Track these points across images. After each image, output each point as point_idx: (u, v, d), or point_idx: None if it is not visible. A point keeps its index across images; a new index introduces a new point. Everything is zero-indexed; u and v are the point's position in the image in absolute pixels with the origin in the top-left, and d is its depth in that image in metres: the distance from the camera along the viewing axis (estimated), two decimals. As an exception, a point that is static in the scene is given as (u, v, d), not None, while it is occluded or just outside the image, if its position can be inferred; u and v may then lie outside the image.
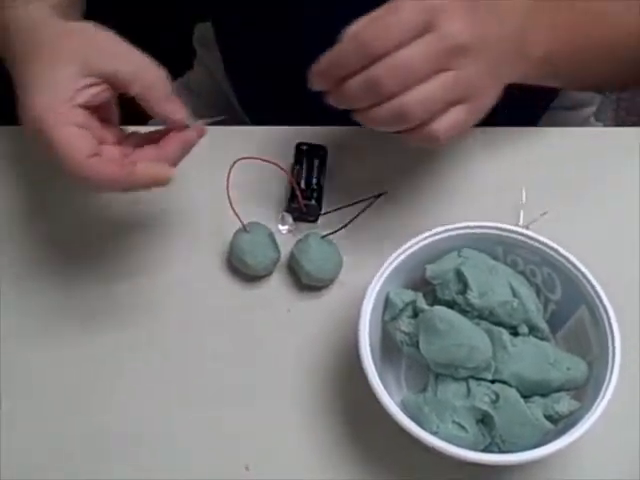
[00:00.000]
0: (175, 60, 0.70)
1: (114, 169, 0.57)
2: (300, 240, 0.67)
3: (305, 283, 0.66)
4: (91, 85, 0.58)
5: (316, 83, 0.58)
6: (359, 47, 0.55)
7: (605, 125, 0.99)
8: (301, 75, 0.58)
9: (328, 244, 0.66)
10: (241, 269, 0.67)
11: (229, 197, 0.65)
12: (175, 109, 0.59)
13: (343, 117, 0.63)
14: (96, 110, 0.59)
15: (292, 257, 0.66)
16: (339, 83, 0.56)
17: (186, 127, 0.60)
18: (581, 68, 0.68)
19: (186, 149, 0.60)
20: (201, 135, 0.60)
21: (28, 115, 0.57)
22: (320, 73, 0.57)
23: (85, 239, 0.70)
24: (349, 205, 0.68)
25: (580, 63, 0.67)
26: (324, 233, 0.67)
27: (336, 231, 0.67)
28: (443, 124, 0.56)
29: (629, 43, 0.68)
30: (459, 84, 0.56)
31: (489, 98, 0.59)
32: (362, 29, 0.55)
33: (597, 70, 0.70)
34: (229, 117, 1.01)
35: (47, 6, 0.63)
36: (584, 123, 0.95)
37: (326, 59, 0.57)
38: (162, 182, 0.58)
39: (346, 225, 0.67)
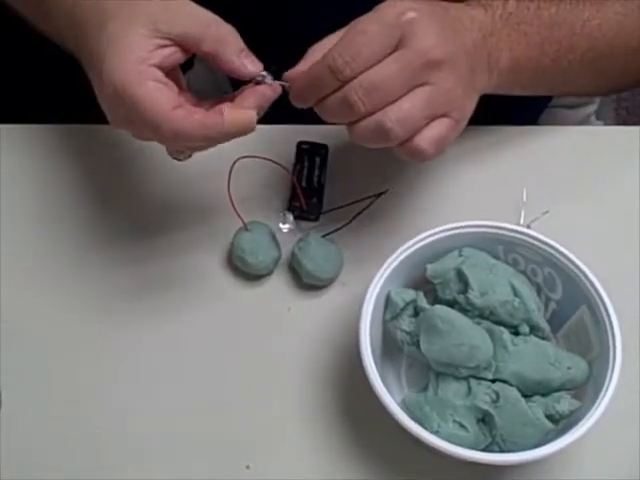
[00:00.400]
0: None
1: (201, 116, 0.56)
2: (301, 239, 0.67)
3: (306, 282, 0.66)
4: (162, 47, 0.58)
5: (295, 102, 0.59)
6: (332, 73, 0.55)
7: (606, 124, 0.99)
8: None
9: (329, 243, 0.66)
10: (242, 268, 0.67)
11: (230, 196, 0.65)
12: (250, 61, 0.59)
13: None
14: (167, 74, 0.59)
15: (293, 256, 0.66)
16: (318, 102, 0.58)
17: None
18: (553, 77, 0.68)
19: (263, 105, 0.59)
20: (276, 92, 0.59)
21: (107, 79, 0.57)
22: (297, 95, 0.59)
23: (86, 237, 0.70)
24: (350, 204, 0.68)
25: (550, 72, 0.67)
26: (325, 232, 0.67)
27: (337, 230, 0.67)
28: (426, 139, 0.56)
29: (603, 51, 0.68)
30: (436, 98, 0.56)
31: (467, 109, 0.60)
32: (332, 54, 0.55)
33: (575, 78, 0.70)
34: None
35: None
36: (584, 122, 0.95)
37: (301, 81, 0.58)
38: (249, 126, 0.57)
39: (347, 224, 0.67)
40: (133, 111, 0.56)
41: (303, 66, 0.58)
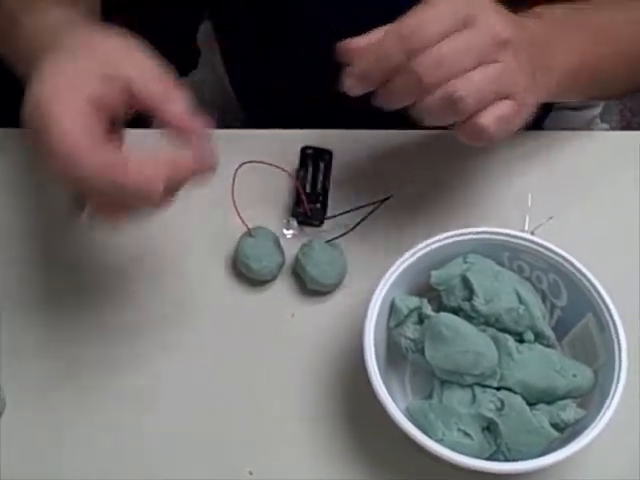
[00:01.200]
0: (180, 60, 0.70)
1: (108, 153, 0.52)
2: (305, 245, 0.66)
3: (310, 288, 0.66)
4: (101, 82, 0.54)
5: (353, 86, 0.56)
6: (400, 40, 0.54)
7: (611, 126, 0.99)
8: (301, 75, 0.58)
9: (333, 249, 0.66)
10: (246, 273, 0.67)
11: (234, 201, 0.65)
12: (193, 119, 0.55)
13: (344, 118, 0.62)
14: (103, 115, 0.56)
15: (297, 262, 0.66)
16: (378, 83, 0.55)
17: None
18: (599, 82, 0.69)
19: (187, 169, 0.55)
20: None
21: (35, 96, 0.53)
22: (358, 74, 0.56)
23: (86, 239, 0.70)
24: (354, 209, 0.68)
25: (599, 78, 0.68)
26: (329, 238, 0.67)
27: (341, 236, 0.67)
28: (490, 117, 0.55)
29: None
30: (505, 76, 0.56)
31: (531, 98, 0.59)
32: (401, 24, 0.54)
33: (616, 82, 0.71)
34: (234, 117, 1.01)
35: (72, 12, 0.63)
36: (589, 124, 0.95)
37: (363, 58, 0.55)
38: (153, 191, 0.52)
39: (351, 230, 0.67)
40: (41, 136, 0.52)
41: (361, 41, 0.56)
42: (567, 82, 0.64)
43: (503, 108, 0.56)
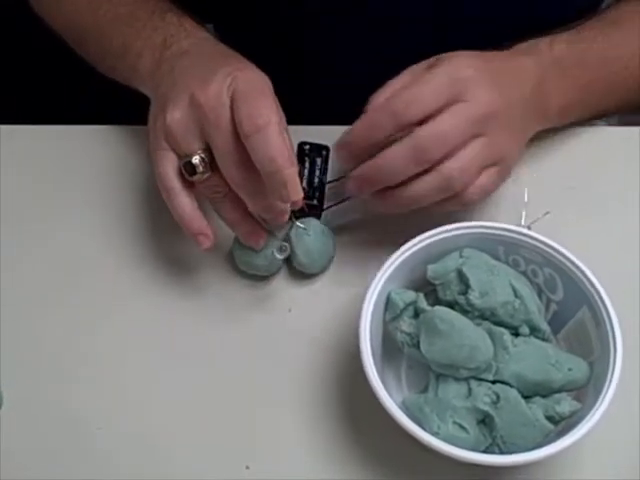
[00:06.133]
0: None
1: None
2: (298, 227, 0.66)
3: (298, 269, 0.66)
4: None
5: (343, 158, 0.61)
6: (392, 115, 0.57)
7: (609, 123, 0.99)
8: (302, 75, 0.58)
9: (324, 234, 0.66)
10: (243, 269, 0.67)
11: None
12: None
13: (344, 118, 0.63)
14: None
15: (289, 240, 0.66)
16: (365, 157, 0.59)
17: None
18: (596, 108, 0.71)
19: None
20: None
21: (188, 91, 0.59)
22: (347, 145, 0.60)
23: (86, 238, 0.70)
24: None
25: (594, 106, 0.70)
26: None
27: (330, 207, 0.68)
28: (477, 189, 0.59)
29: None
30: (492, 149, 0.59)
31: (515, 156, 0.63)
32: (392, 99, 0.58)
33: (612, 107, 0.73)
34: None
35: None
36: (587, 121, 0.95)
37: (355, 130, 0.59)
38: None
39: (343, 201, 0.67)
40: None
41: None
42: (567, 113, 0.68)
43: (486, 179, 0.60)
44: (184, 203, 0.61)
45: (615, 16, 0.72)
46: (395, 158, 0.58)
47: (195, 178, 0.60)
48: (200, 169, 0.60)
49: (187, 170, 0.60)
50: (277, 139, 0.56)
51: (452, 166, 0.58)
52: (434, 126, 0.57)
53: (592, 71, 0.68)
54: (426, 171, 0.58)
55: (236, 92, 0.58)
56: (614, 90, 0.70)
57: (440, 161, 0.57)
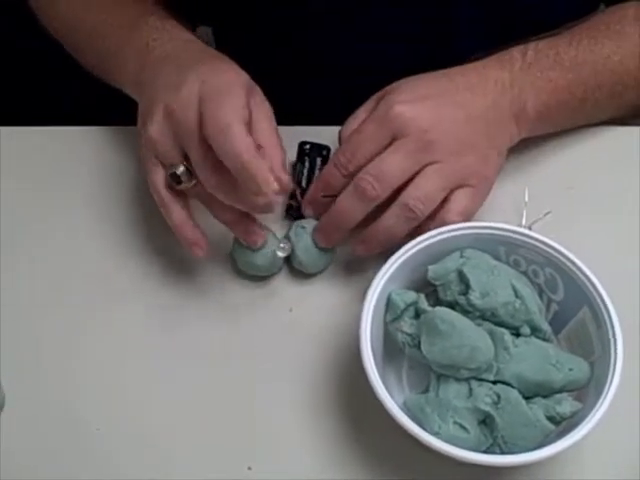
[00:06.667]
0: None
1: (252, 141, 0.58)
2: (298, 226, 0.67)
3: (298, 269, 0.67)
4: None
5: (310, 210, 0.66)
6: (338, 170, 0.62)
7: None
8: (302, 75, 0.58)
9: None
10: (243, 269, 0.67)
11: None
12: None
13: (345, 118, 0.63)
14: None
15: (289, 240, 0.66)
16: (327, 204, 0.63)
17: None
18: (582, 114, 0.71)
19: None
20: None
21: (195, 78, 0.60)
22: (311, 200, 0.65)
23: (86, 238, 0.70)
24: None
25: (579, 110, 0.70)
26: None
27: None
28: (452, 213, 0.61)
29: (629, 83, 0.70)
30: (446, 171, 0.61)
31: (487, 171, 0.64)
32: (336, 155, 0.63)
33: (601, 111, 0.72)
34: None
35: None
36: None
37: (314, 188, 0.65)
38: (264, 186, 0.58)
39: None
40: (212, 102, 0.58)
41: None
42: (547, 117, 0.67)
43: (461, 201, 0.62)
44: (176, 213, 0.62)
45: (603, 19, 0.71)
46: (343, 201, 0.62)
47: (182, 187, 0.61)
48: (184, 179, 0.61)
49: (174, 180, 0.61)
50: (240, 136, 0.57)
51: (409, 194, 0.60)
52: (371, 166, 0.60)
53: (572, 72, 0.67)
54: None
55: (202, 95, 0.59)
56: (600, 92, 0.69)
57: (397, 192, 0.61)
